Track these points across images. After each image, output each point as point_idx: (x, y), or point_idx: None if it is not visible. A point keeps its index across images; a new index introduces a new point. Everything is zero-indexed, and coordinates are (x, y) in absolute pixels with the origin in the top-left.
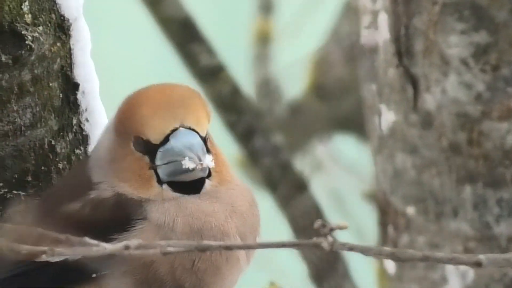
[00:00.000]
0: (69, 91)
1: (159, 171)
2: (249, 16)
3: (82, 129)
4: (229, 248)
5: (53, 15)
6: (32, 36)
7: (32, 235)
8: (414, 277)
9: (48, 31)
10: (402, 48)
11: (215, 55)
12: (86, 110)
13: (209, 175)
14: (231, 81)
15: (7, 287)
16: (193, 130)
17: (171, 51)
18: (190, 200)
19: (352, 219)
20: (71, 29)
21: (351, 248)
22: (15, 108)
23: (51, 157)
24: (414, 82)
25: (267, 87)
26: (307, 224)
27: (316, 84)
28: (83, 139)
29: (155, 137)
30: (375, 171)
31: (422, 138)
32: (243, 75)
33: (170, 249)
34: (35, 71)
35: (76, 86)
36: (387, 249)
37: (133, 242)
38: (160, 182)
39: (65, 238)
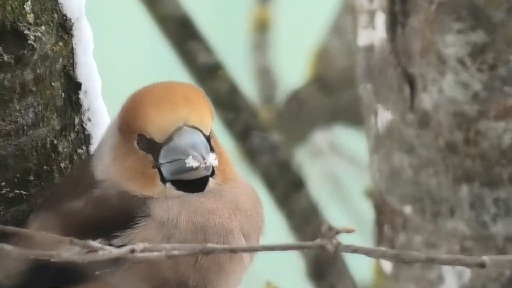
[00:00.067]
0: (71, 90)
1: (163, 169)
2: (247, 10)
3: (84, 129)
4: (234, 251)
5: (55, 15)
6: (34, 36)
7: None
8: (411, 277)
9: (50, 31)
10: (399, 48)
11: (213, 53)
12: (88, 109)
13: (213, 173)
14: (229, 79)
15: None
16: (197, 128)
17: (169, 49)
18: (193, 198)
19: (352, 211)
20: (73, 28)
21: (355, 250)
22: (17, 108)
23: (53, 156)
24: (411, 81)
25: (267, 76)
26: (305, 222)
27: (318, 75)
28: (85, 139)
29: (159, 136)
30: (372, 170)
31: (419, 137)
32: (242, 69)
33: (175, 252)
34: (37, 71)
35: (78, 85)
36: (391, 251)
37: (139, 245)
38: (163, 180)
39: (69, 241)
